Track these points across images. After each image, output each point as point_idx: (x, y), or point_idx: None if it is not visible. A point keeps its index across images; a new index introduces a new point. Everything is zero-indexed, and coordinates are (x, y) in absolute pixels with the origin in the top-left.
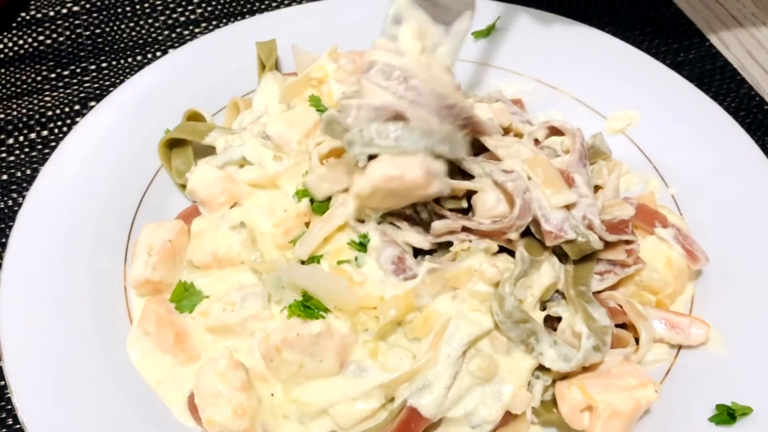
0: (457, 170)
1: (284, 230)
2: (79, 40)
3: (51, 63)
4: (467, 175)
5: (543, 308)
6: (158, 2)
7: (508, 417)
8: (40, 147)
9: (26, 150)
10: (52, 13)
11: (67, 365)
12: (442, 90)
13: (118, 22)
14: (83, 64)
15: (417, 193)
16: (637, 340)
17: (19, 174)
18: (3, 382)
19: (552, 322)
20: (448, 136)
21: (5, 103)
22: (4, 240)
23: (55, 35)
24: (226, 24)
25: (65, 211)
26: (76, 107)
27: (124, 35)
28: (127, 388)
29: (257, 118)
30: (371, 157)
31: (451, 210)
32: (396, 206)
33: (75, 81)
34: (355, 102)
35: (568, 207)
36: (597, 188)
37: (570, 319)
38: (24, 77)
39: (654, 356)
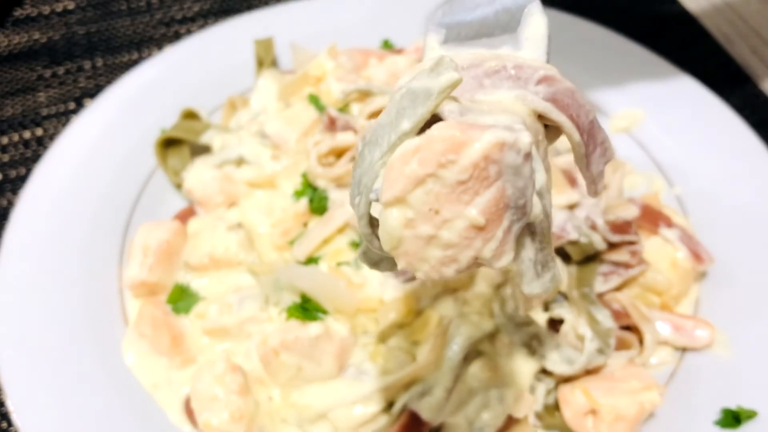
0: None
1: (282, 231)
2: (74, 38)
3: (46, 60)
4: None
5: (546, 310)
6: None
7: (511, 421)
8: (34, 146)
9: (21, 149)
10: (46, 11)
11: (62, 368)
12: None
13: (113, 19)
14: (78, 62)
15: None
16: (641, 343)
17: (14, 173)
18: None
19: (555, 324)
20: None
21: None
22: None
23: (50, 33)
24: (222, 20)
25: (60, 210)
26: (71, 105)
27: (119, 32)
28: (123, 392)
29: (255, 117)
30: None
31: None
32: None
33: (70, 79)
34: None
35: (571, 207)
36: None
37: (573, 322)
38: (18, 75)
39: (658, 359)
